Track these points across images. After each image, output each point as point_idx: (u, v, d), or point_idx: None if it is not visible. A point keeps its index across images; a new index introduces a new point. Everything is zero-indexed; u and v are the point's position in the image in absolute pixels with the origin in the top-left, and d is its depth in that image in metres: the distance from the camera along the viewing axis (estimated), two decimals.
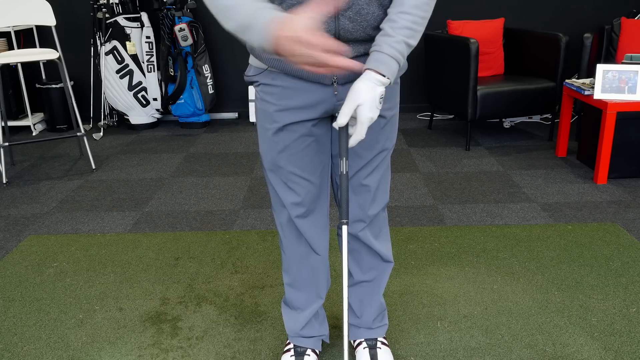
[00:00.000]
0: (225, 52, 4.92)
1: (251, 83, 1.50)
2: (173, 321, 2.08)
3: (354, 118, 1.31)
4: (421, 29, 1.30)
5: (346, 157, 1.33)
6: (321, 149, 1.52)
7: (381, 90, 1.29)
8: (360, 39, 1.34)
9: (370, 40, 1.35)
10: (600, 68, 3.20)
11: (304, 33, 1.05)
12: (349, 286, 1.78)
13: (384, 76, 1.28)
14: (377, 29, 1.34)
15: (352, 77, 1.39)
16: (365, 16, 1.31)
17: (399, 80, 1.54)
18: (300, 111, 1.43)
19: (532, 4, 4.77)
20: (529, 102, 3.89)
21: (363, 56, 1.38)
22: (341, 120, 1.29)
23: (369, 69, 1.28)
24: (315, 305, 1.73)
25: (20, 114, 4.77)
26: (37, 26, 4.79)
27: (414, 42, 1.29)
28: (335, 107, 1.44)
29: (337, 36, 1.32)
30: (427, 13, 1.29)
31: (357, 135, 1.30)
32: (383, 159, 1.56)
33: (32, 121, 4.68)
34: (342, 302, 2.17)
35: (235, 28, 1.15)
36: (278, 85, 1.42)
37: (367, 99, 1.27)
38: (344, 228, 1.37)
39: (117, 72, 4.51)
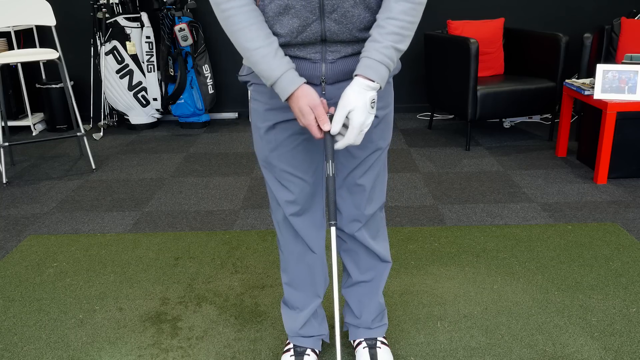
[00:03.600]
0: (225, 52, 4.92)
1: (245, 83, 1.51)
2: (173, 321, 2.08)
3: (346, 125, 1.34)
4: (410, 34, 1.31)
5: (332, 160, 1.35)
6: (314, 148, 1.52)
7: (371, 94, 1.31)
8: (346, 41, 1.36)
9: (356, 41, 1.36)
10: (600, 68, 3.20)
11: (315, 101, 1.32)
12: (347, 286, 1.79)
13: (373, 81, 1.30)
14: (364, 30, 1.35)
15: (340, 76, 1.41)
16: (351, 18, 1.32)
17: (391, 80, 1.54)
18: (290, 110, 1.44)
19: (532, 4, 4.77)
20: (529, 102, 3.89)
21: (350, 57, 1.39)
22: (334, 127, 1.32)
23: (358, 74, 1.30)
24: (314, 305, 1.74)
25: (20, 114, 4.77)
26: (37, 26, 4.79)
27: (404, 46, 1.31)
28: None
29: (324, 38, 1.34)
30: (415, 18, 1.31)
31: (346, 139, 1.32)
32: (378, 158, 1.56)
33: (32, 121, 4.68)
34: (341, 302, 2.17)
35: (249, 63, 1.34)
36: None
37: (357, 104, 1.29)
38: (332, 229, 1.39)
39: (117, 72, 4.51)
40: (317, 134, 1.34)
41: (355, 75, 1.31)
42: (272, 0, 1.29)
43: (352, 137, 1.32)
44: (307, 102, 1.31)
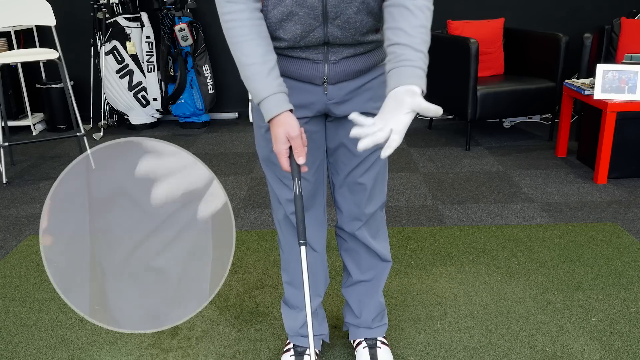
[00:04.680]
0: (225, 52, 4.92)
1: None
2: None
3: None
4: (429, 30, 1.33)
5: (298, 178, 1.33)
6: (315, 146, 1.53)
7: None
8: (348, 44, 1.37)
9: (357, 44, 1.38)
10: (600, 68, 3.20)
11: (293, 132, 1.29)
12: (348, 286, 1.79)
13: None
14: (366, 34, 1.36)
15: (342, 77, 1.42)
16: (353, 24, 1.33)
17: None
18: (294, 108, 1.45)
19: (532, 4, 4.77)
20: (529, 102, 3.89)
21: (352, 57, 1.40)
22: (395, 140, 1.29)
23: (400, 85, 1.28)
24: (314, 304, 1.74)
25: (20, 114, 4.77)
26: (37, 26, 4.79)
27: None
28: (327, 106, 1.45)
29: (326, 42, 1.35)
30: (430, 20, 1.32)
31: (394, 143, 1.30)
32: (378, 157, 1.57)
33: (32, 121, 4.68)
34: (341, 302, 2.18)
35: (242, 77, 1.33)
36: None
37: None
38: (302, 249, 1.35)
39: (117, 72, 4.51)
40: (285, 166, 1.32)
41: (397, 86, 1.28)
42: (275, 6, 1.30)
43: (399, 140, 1.30)
44: (286, 130, 1.29)
